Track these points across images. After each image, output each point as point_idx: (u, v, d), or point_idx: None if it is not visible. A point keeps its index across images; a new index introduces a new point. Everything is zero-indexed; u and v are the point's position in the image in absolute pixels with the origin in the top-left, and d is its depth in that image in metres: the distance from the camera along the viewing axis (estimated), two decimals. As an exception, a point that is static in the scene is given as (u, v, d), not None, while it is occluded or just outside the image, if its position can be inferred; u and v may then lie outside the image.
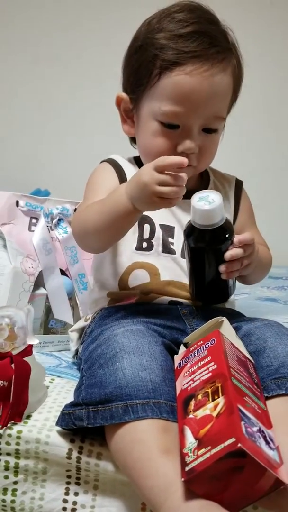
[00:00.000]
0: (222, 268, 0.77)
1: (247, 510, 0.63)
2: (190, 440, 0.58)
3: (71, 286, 1.03)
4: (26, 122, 2.07)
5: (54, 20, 2.03)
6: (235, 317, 0.86)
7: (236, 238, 0.78)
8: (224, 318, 0.78)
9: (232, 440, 0.53)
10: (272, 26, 2.00)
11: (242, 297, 1.52)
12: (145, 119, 0.84)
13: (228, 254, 0.77)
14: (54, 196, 1.13)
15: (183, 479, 0.55)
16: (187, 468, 0.55)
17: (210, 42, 0.79)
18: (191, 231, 0.78)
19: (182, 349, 0.77)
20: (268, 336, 0.76)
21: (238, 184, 0.96)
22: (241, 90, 0.88)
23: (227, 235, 0.77)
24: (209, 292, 0.83)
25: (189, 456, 0.56)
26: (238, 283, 0.94)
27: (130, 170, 0.90)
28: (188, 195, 0.89)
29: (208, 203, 0.74)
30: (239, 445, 0.53)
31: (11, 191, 1.03)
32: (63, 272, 1.03)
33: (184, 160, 0.72)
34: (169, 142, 0.82)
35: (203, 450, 0.55)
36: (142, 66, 0.82)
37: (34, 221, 1.01)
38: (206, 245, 0.77)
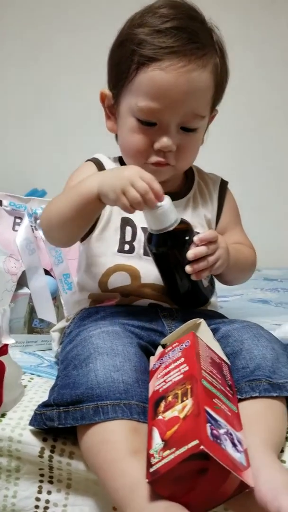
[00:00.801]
0: (188, 268, 0.77)
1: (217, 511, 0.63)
2: (157, 441, 0.58)
3: (55, 286, 1.03)
4: (23, 121, 2.07)
5: (54, 17, 2.02)
6: (215, 318, 0.85)
7: (196, 237, 0.77)
8: (202, 320, 0.78)
9: (196, 442, 0.53)
10: (273, 25, 2.00)
11: (234, 298, 1.52)
12: (124, 115, 0.84)
13: (190, 254, 0.76)
14: (51, 197, 1.13)
15: (147, 480, 0.55)
16: (151, 469, 0.55)
17: (189, 38, 0.78)
18: (150, 238, 0.78)
19: (159, 350, 0.77)
20: (246, 338, 0.76)
21: (223, 185, 0.96)
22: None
23: (185, 237, 0.77)
24: (185, 296, 0.83)
25: (154, 457, 0.56)
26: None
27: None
28: (175, 196, 0.90)
29: (158, 206, 0.74)
30: (201, 447, 0.53)
31: (8, 191, 1.04)
32: (47, 272, 1.03)
33: (160, 194, 0.72)
34: (146, 139, 0.82)
35: (167, 452, 0.55)
36: (122, 61, 0.82)
37: (18, 220, 1.02)
38: (167, 248, 0.77)
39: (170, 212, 0.75)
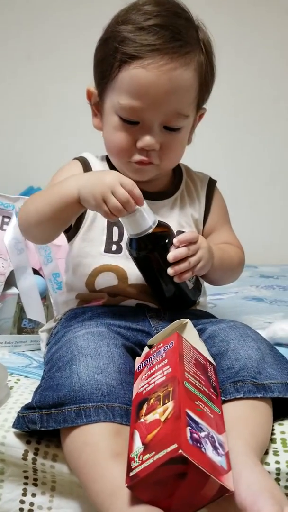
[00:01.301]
0: (169, 271, 0.76)
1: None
2: (138, 445, 0.58)
3: (45, 286, 1.03)
4: (19, 120, 2.06)
5: (49, 14, 2.02)
6: (203, 318, 0.85)
7: (176, 239, 0.77)
8: (188, 320, 0.77)
9: (174, 446, 0.53)
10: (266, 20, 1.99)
11: (228, 296, 1.51)
12: (107, 113, 0.83)
13: (170, 256, 0.76)
14: None
15: (126, 485, 0.55)
16: (131, 474, 0.55)
17: (172, 36, 0.77)
18: (130, 243, 0.78)
19: (145, 351, 0.76)
20: (232, 338, 0.75)
21: (211, 184, 0.95)
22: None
23: (165, 239, 0.77)
24: (170, 299, 0.82)
25: (134, 461, 0.56)
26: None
27: (98, 168, 0.89)
28: (162, 196, 0.89)
29: (134, 212, 0.74)
30: (180, 451, 0.52)
31: (3, 189, 1.03)
32: (36, 272, 1.03)
33: (141, 199, 0.73)
34: (129, 137, 0.81)
35: (147, 456, 0.55)
36: (105, 58, 0.81)
37: (6, 220, 1.01)
38: (147, 252, 0.77)
39: (147, 216, 0.74)
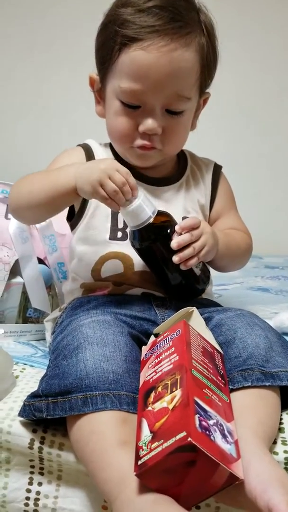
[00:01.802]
0: (175, 258, 0.76)
1: (200, 505, 0.62)
2: (146, 433, 0.57)
3: (49, 275, 1.02)
4: (24, 113, 2.06)
5: (51, 6, 2.01)
6: (209, 307, 0.84)
7: (177, 226, 0.76)
8: (194, 309, 0.76)
9: (183, 434, 0.52)
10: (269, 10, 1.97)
11: (234, 286, 1.50)
12: (109, 98, 0.83)
13: (173, 243, 0.75)
14: None
15: (135, 473, 0.54)
16: (139, 462, 0.54)
17: (172, 17, 0.76)
18: (132, 235, 0.77)
19: (151, 339, 0.76)
20: (239, 327, 0.74)
21: (216, 169, 0.94)
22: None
23: (166, 228, 0.76)
24: (178, 288, 0.81)
25: (143, 450, 0.55)
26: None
27: (101, 155, 0.88)
28: (167, 181, 0.88)
29: (132, 203, 0.73)
30: (189, 439, 0.51)
31: (4, 179, 1.03)
32: (41, 261, 1.02)
33: (136, 188, 0.73)
34: (131, 121, 0.80)
35: (156, 444, 0.54)
36: (106, 43, 0.80)
37: (10, 208, 1.00)
38: (150, 243, 0.76)
39: (145, 206, 0.74)
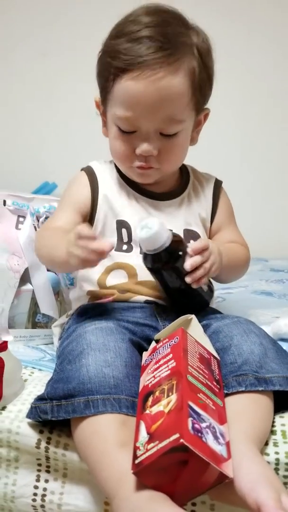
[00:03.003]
0: (188, 279, 0.80)
1: (196, 502, 0.66)
2: (143, 435, 0.61)
3: (57, 282, 1.06)
4: (34, 114, 2.09)
5: (64, 13, 2.04)
6: (208, 314, 0.88)
7: (190, 248, 0.80)
8: (193, 316, 0.80)
9: (176, 435, 0.56)
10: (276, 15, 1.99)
11: (238, 290, 1.52)
12: (109, 122, 0.89)
13: (187, 265, 0.79)
14: (61, 190, 1.15)
15: (132, 471, 0.58)
16: (136, 461, 0.59)
17: (161, 46, 0.80)
18: (145, 256, 0.82)
19: (152, 345, 0.80)
20: (235, 334, 0.78)
21: (217, 184, 0.98)
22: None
23: (178, 251, 0.80)
24: (187, 303, 0.86)
25: (140, 450, 0.59)
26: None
27: (106, 176, 0.94)
28: (169, 196, 0.93)
29: (149, 229, 0.77)
30: (181, 440, 0.55)
31: (20, 184, 1.07)
32: (49, 269, 1.06)
33: (101, 249, 0.74)
34: (128, 145, 0.86)
35: (151, 445, 0.58)
36: (102, 72, 0.86)
37: (21, 219, 1.05)
38: (163, 264, 0.80)
39: (161, 232, 0.77)
